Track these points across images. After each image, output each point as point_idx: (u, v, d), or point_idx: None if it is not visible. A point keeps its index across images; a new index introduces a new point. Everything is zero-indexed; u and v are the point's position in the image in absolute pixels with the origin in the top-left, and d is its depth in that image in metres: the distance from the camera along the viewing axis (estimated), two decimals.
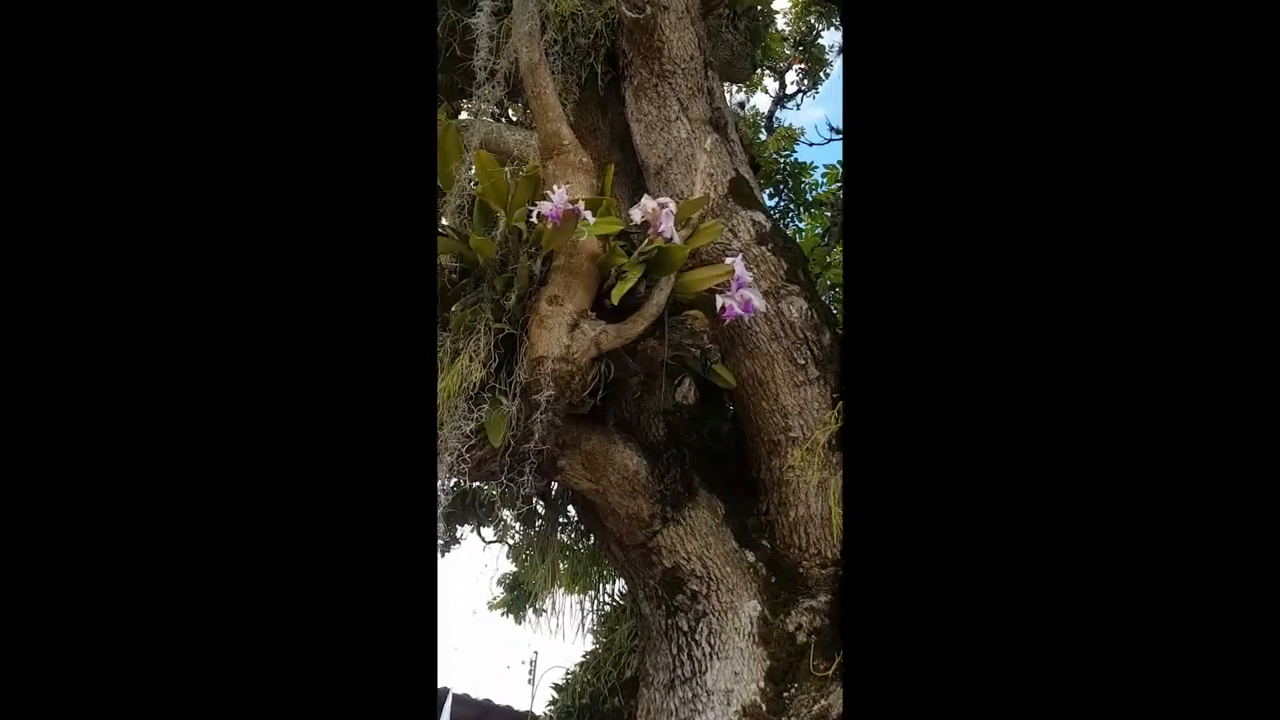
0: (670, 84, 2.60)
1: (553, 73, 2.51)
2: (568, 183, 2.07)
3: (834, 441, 2.31)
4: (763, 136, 6.22)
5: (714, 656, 2.06)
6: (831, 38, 5.87)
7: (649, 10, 2.58)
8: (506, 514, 4.29)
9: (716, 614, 2.12)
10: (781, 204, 6.09)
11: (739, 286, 2.12)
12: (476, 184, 2.04)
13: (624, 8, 2.61)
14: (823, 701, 1.93)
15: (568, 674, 3.85)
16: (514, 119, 3.07)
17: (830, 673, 1.96)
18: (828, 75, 6.09)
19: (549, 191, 1.92)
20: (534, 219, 1.94)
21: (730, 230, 2.46)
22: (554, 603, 3.28)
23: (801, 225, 6.09)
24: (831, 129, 5.57)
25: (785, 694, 1.97)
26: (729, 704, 1.98)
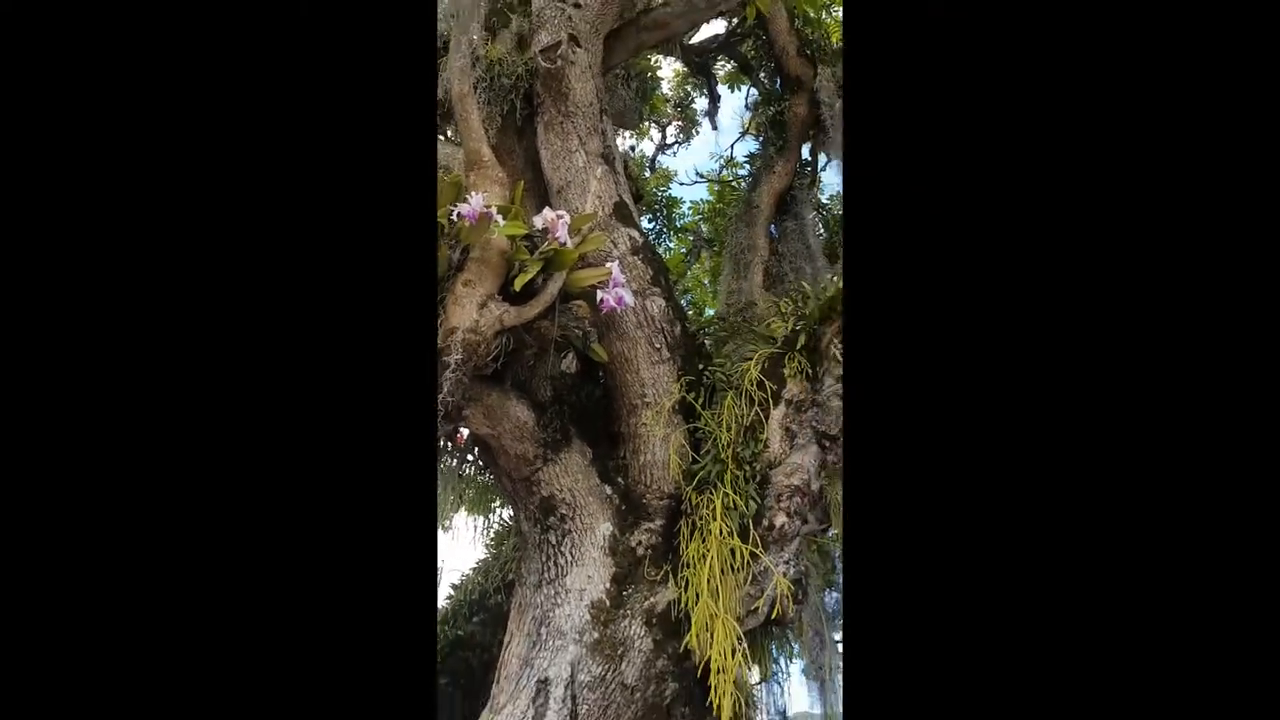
0: (573, 123, 2.59)
1: (479, 104, 2.46)
2: (485, 191, 2.06)
3: (676, 407, 2.39)
4: (647, 174, 6.27)
5: (573, 564, 2.10)
6: (701, 104, 5.97)
7: (560, 63, 2.56)
8: None
9: (578, 532, 2.15)
10: (656, 227, 6.17)
11: (615, 285, 2.18)
12: None
13: (540, 59, 2.58)
14: (651, 599, 2.01)
15: (463, 576, 3.83)
16: (445, 137, 2.98)
17: (659, 577, 2.04)
18: (698, 132, 6.20)
19: (469, 196, 1.90)
20: (454, 217, 1.91)
21: (611, 241, 2.50)
22: (454, 522, 3.25)
23: (671, 245, 6.20)
24: (698, 174, 5.69)
25: (624, 593, 2.04)
26: (581, 599, 2.02)
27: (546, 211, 2.12)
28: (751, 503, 2.05)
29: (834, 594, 3.84)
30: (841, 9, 4.53)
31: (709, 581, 1.82)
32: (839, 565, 3.81)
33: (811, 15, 4.13)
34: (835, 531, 2.97)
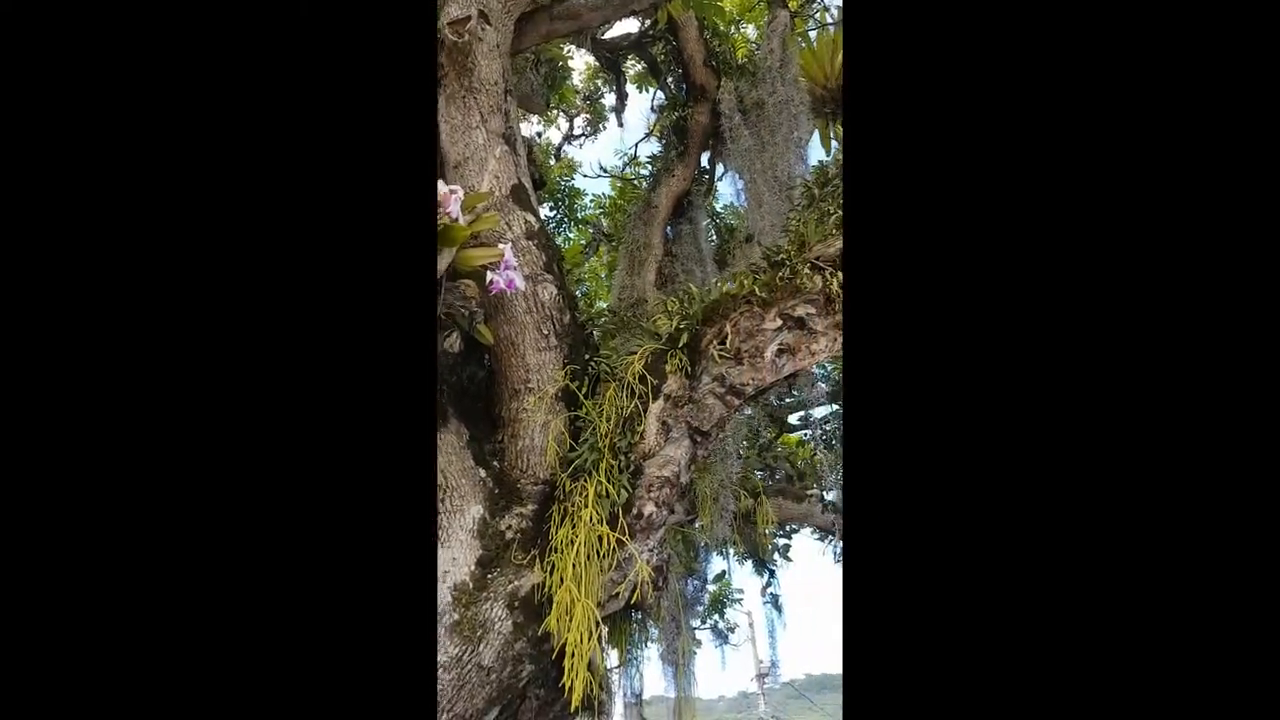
0: (475, 99, 2.49)
1: None
2: None
3: (559, 394, 2.36)
4: (552, 162, 6.16)
5: (440, 546, 2.02)
6: (610, 100, 5.94)
7: (467, 38, 2.45)
8: None
9: (448, 514, 2.08)
10: (557, 216, 6.08)
11: (506, 268, 2.11)
12: None
13: (447, 31, 2.46)
14: (516, 582, 1.98)
15: None
16: None
17: (525, 562, 2.01)
18: (605, 127, 6.16)
19: None
20: None
21: (506, 223, 2.42)
22: None
23: (570, 235, 6.13)
24: (602, 168, 5.65)
25: (489, 576, 1.99)
26: (444, 581, 1.95)
27: (441, 185, 2.01)
28: (623, 491, 2.06)
29: (693, 581, 3.97)
30: (762, 23, 4.65)
31: (574, 567, 1.81)
32: (703, 554, 3.95)
33: (720, 28, 4.21)
34: (701, 523, 3.07)
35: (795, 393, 4.79)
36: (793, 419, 5.20)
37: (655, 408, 2.25)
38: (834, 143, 5.09)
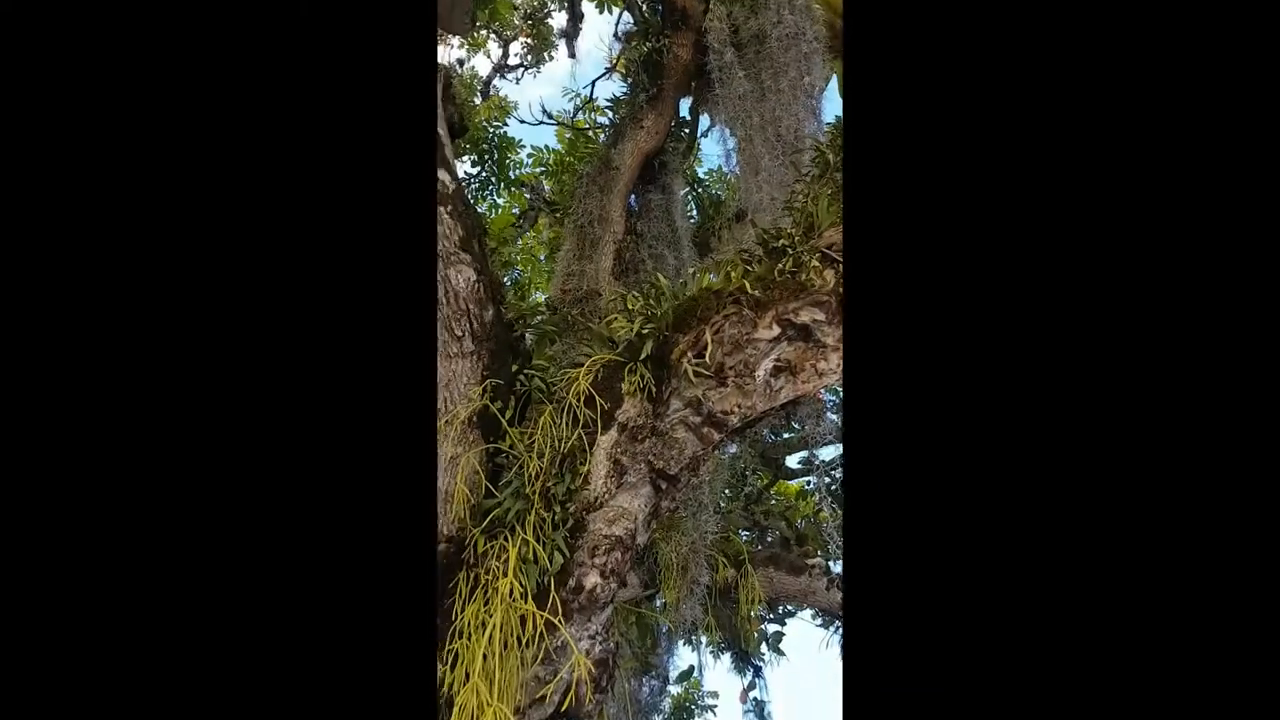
0: None
1: None
2: None
3: (474, 419, 2.35)
4: (476, 101, 6.16)
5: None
6: (560, 21, 5.99)
7: None
8: None
9: None
10: (482, 175, 6.07)
11: None
12: None
13: None
14: None
15: None
16: None
17: None
18: (552, 57, 6.20)
19: None
20: None
21: None
22: None
23: (499, 201, 6.12)
24: (545, 112, 5.66)
25: None
26: None
27: None
28: (557, 555, 2.07)
29: (650, 681, 3.97)
30: None
31: (485, 659, 1.80)
32: (665, 643, 3.95)
33: None
34: (664, 600, 3.09)
35: (796, 426, 4.86)
36: (792, 461, 5.28)
37: (605, 441, 2.27)
38: None
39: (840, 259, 2.32)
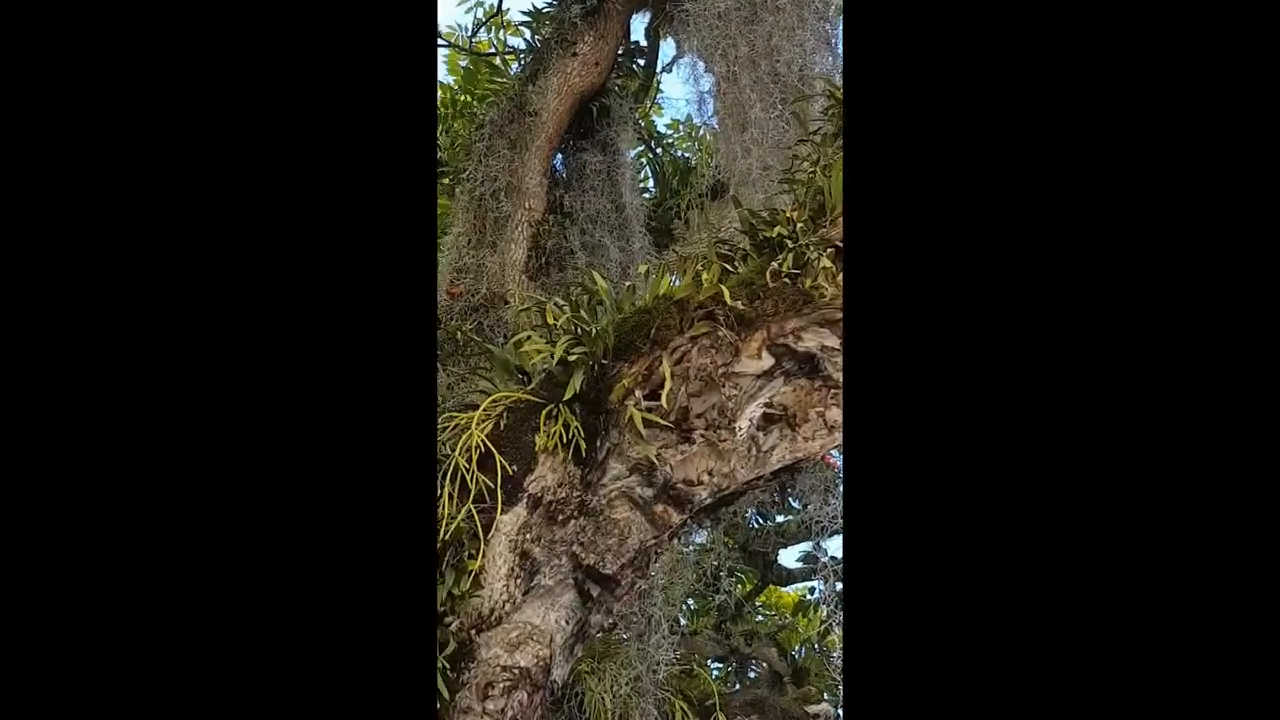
0: None
1: None
2: None
3: None
4: None
5: None
6: None
7: None
8: None
9: None
10: None
11: None
12: None
13: None
14: None
15: None
16: None
17: None
18: None
19: None
20: None
21: None
22: None
23: None
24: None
25: None
26: None
27: None
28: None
29: None
30: None
31: None
32: None
33: None
34: None
35: (795, 504, 4.88)
36: (789, 558, 5.28)
37: (508, 522, 2.24)
38: None
39: None
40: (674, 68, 5.03)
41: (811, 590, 5.33)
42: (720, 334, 2.25)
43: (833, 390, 2.25)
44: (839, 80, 3.37)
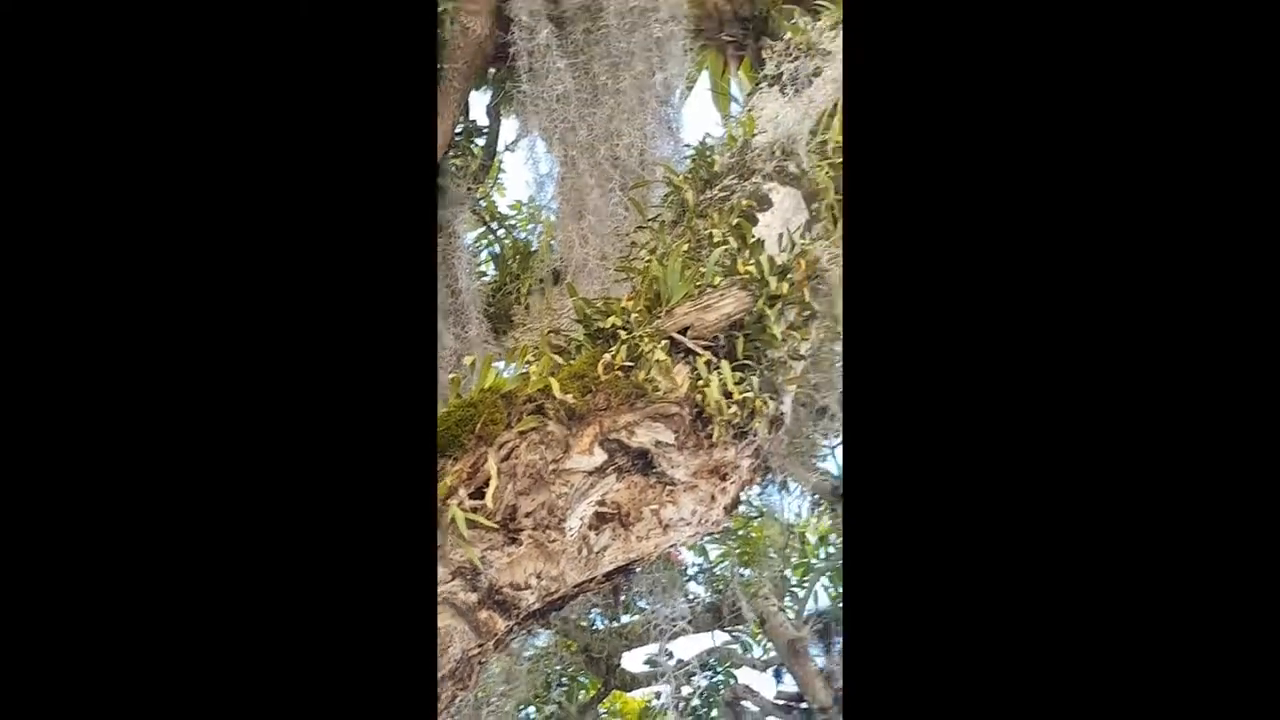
0: None
1: None
2: None
3: None
4: None
5: None
6: None
7: None
8: None
9: None
10: None
11: None
12: None
13: None
14: None
15: None
16: None
17: None
18: None
19: None
20: None
21: None
22: None
23: None
24: None
25: None
26: None
27: None
28: None
29: None
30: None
31: None
32: None
33: None
34: None
35: (644, 606, 4.87)
36: (632, 660, 5.26)
37: None
38: (737, 98, 5.41)
39: (696, 348, 2.39)
40: (516, 146, 5.07)
41: (657, 695, 5.31)
42: (550, 429, 2.25)
43: (667, 487, 2.27)
44: (679, 166, 3.46)
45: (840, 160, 3.46)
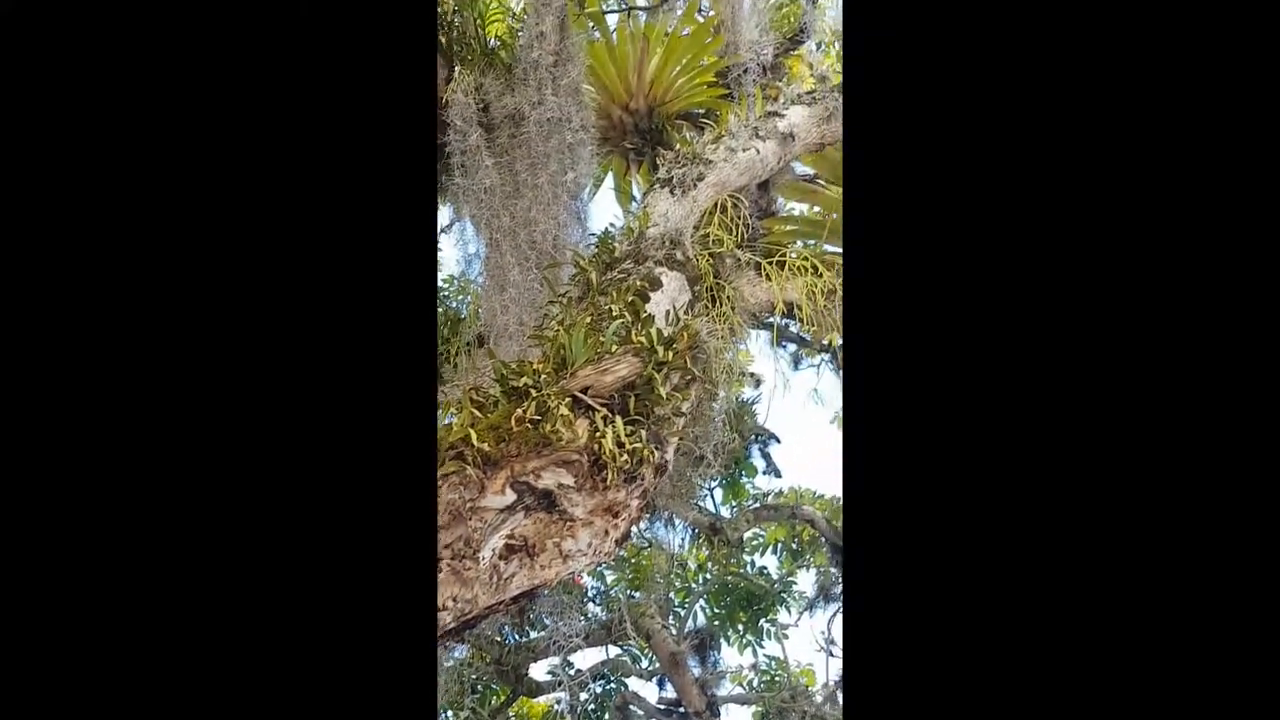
0: None
1: None
2: None
3: None
4: None
5: None
6: None
7: None
8: None
9: None
10: None
11: None
12: None
13: None
14: None
15: None
16: None
17: None
18: None
19: None
20: None
21: None
22: None
23: None
24: None
25: None
26: None
27: None
28: None
29: None
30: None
31: None
32: None
33: None
34: None
35: (541, 620, 4.82)
36: (537, 670, 5.21)
37: None
38: (635, 195, 5.52)
39: (599, 405, 2.40)
40: (450, 229, 5.08)
41: (558, 701, 5.25)
42: (468, 472, 2.23)
43: (567, 523, 2.26)
44: (586, 251, 3.49)
45: (717, 250, 3.56)
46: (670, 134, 4.77)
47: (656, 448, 2.46)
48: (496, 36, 4.64)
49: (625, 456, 2.32)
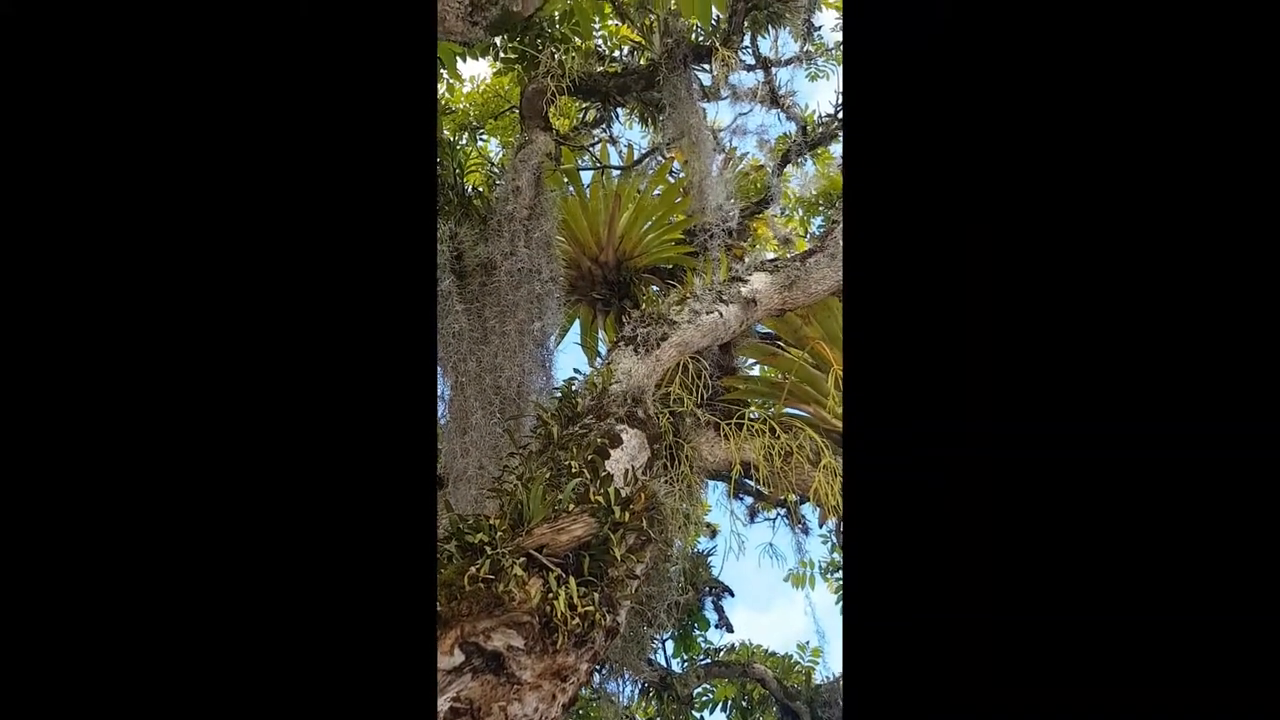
0: None
1: None
2: None
3: None
4: None
5: None
6: None
7: None
8: None
9: None
10: None
11: None
12: None
13: None
14: None
15: None
16: None
17: None
18: None
19: None
20: None
21: None
22: None
23: None
24: None
25: None
26: None
27: None
28: None
29: None
30: (510, 140, 5.19)
31: None
32: None
33: (442, 133, 4.64)
34: None
35: None
36: None
37: None
38: (601, 346, 5.57)
39: (549, 564, 2.38)
40: None
41: None
42: None
43: (515, 686, 2.22)
44: (549, 401, 3.51)
45: (678, 409, 3.60)
46: (637, 288, 4.87)
47: (609, 610, 2.44)
48: (474, 186, 4.76)
49: (577, 620, 2.29)
